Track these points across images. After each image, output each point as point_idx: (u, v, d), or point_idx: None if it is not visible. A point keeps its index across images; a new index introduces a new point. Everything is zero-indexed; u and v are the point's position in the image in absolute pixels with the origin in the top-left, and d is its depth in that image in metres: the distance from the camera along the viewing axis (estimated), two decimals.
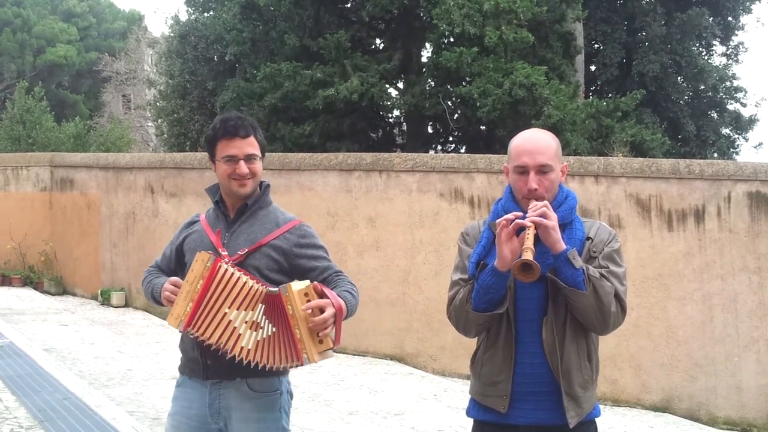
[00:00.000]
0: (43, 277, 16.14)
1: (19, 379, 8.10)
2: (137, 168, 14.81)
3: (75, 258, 15.93)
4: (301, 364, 3.22)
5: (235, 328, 3.21)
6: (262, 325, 3.23)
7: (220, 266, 3.26)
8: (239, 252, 3.44)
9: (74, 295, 15.88)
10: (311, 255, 3.55)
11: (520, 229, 3.14)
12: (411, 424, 8.05)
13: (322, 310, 3.17)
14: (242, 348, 3.21)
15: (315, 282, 3.28)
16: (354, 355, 11.40)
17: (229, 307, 3.22)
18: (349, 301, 3.34)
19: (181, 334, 3.54)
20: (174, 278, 3.45)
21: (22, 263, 16.27)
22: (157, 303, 3.58)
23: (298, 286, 3.19)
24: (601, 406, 9.61)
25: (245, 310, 3.22)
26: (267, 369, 3.24)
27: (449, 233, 10.76)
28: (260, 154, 3.56)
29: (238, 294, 3.23)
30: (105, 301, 14.80)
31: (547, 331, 3.22)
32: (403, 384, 10.04)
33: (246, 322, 3.22)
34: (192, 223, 3.73)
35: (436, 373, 10.88)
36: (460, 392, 9.52)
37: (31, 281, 16.17)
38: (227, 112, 3.69)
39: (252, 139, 3.53)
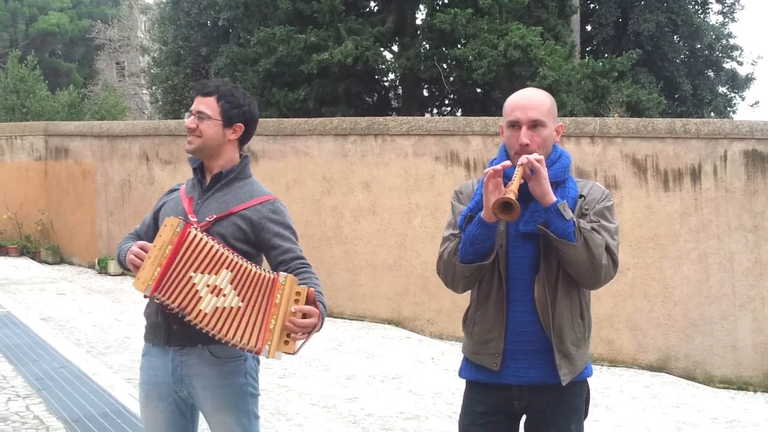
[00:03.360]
0: (40, 246, 16.14)
1: (16, 349, 8.12)
2: (132, 136, 14.74)
3: (71, 227, 15.91)
4: (257, 352, 3.17)
5: (197, 291, 3.17)
6: (225, 292, 3.17)
7: (189, 232, 3.22)
8: (207, 218, 3.40)
9: (71, 264, 15.88)
10: (277, 232, 3.45)
11: (507, 182, 3.14)
12: (408, 387, 8.08)
13: (306, 316, 3.14)
14: (200, 311, 3.16)
15: (311, 288, 3.21)
16: (351, 319, 11.44)
17: (194, 271, 3.18)
18: (323, 317, 3.27)
19: (147, 300, 3.49)
20: (141, 242, 3.35)
21: (18, 233, 16.25)
22: (123, 267, 3.54)
23: (294, 280, 3.17)
24: (598, 367, 9.70)
25: (208, 273, 3.18)
26: (217, 339, 3.19)
27: (445, 197, 10.70)
28: (218, 119, 3.46)
29: (204, 258, 3.19)
30: (102, 269, 14.80)
31: (539, 288, 3.23)
32: (401, 348, 10.07)
33: (207, 286, 3.17)
34: (173, 191, 3.69)
35: (434, 336, 10.91)
36: (457, 355, 9.53)
37: (28, 251, 16.16)
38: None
39: (211, 99, 3.47)
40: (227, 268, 3.18)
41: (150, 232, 3.64)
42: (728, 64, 28.69)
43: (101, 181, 15.21)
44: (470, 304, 3.46)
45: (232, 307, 3.16)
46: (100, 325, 10.05)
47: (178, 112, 22.66)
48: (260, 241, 3.45)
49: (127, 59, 40.23)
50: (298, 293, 3.14)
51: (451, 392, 7.81)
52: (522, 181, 3.10)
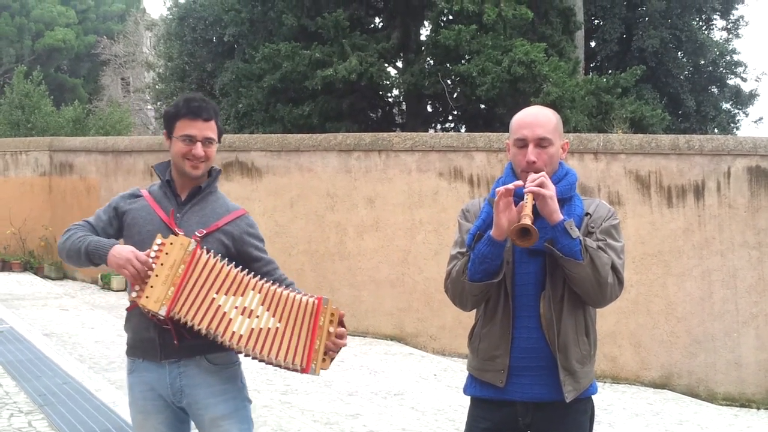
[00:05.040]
0: (43, 261, 16.16)
1: (19, 364, 8.11)
2: (136, 151, 14.78)
3: None
4: (303, 371, 3.30)
5: (225, 313, 3.23)
6: (258, 314, 3.26)
7: (201, 253, 3.28)
8: (197, 233, 3.43)
9: (74, 279, 15.89)
10: (256, 245, 3.60)
11: (518, 201, 3.15)
12: (411, 403, 8.06)
13: (338, 338, 3.37)
14: (233, 333, 3.22)
15: (340, 311, 3.39)
16: (354, 335, 11.40)
17: (217, 293, 3.24)
18: None
19: (126, 315, 3.54)
20: (140, 254, 3.28)
21: (22, 248, 16.27)
22: (87, 261, 3.47)
23: (331, 304, 3.35)
24: (601, 384, 9.65)
25: (233, 295, 3.25)
26: (257, 359, 3.27)
27: (449, 213, 10.75)
28: (217, 139, 3.57)
29: (225, 279, 3.26)
30: (105, 285, 14.81)
31: (545, 305, 3.24)
32: (403, 364, 10.05)
33: (236, 308, 3.24)
34: (135, 196, 3.65)
35: (436, 352, 10.89)
36: (459, 372, 9.53)
37: (31, 266, 16.18)
38: (191, 93, 3.67)
39: (212, 123, 3.53)
40: (254, 290, 3.29)
41: (109, 230, 3.61)
42: (732, 81, 28.67)
43: (105, 197, 15.21)
44: (476, 321, 3.47)
45: (269, 328, 3.27)
46: (102, 341, 10.04)
47: None
48: (241, 255, 3.54)
49: (132, 75, 40.35)
50: (332, 314, 3.34)
51: (454, 409, 7.79)
52: (533, 202, 3.12)
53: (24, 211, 16.22)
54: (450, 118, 22.65)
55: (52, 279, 15.68)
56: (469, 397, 3.51)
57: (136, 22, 40.05)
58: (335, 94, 19.04)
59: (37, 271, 16.04)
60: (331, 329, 3.32)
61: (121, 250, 3.32)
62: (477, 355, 3.41)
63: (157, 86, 26.30)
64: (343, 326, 3.39)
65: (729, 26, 29.60)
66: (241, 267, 3.35)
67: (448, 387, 8.90)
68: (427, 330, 11.11)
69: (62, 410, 6.59)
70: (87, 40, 42.41)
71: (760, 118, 42.26)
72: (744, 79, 28.84)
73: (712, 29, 29.39)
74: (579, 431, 3.37)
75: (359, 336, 11.39)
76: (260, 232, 3.66)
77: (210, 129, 3.52)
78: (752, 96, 28.77)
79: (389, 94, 22.02)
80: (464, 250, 3.31)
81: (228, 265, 3.31)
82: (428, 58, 19.87)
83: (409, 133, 12.73)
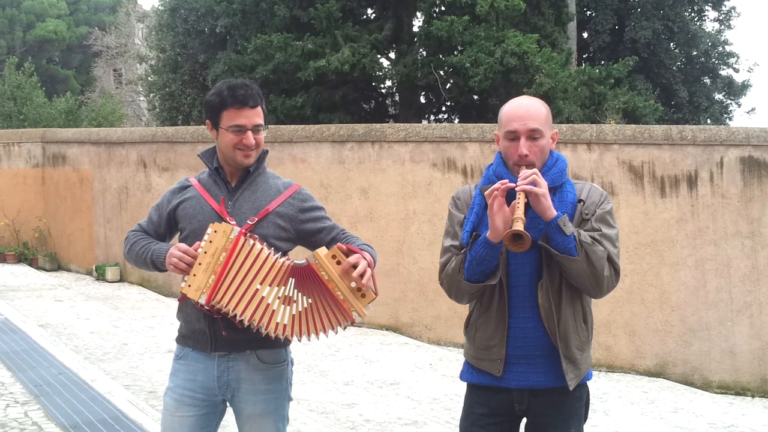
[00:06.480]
0: (38, 253, 16.13)
1: (14, 355, 8.11)
2: (129, 143, 14.74)
3: (69, 234, 15.90)
4: (352, 322, 3.25)
5: (268, 304, 3.18)
6: (295, 299, 3.22)
7: (245, 240, 3.22)
8: (248, 221, 3.38)
9: (69, 270, 15.86)
10: (316, 217, 3.53)
11: (510, 198, 3.14)
12: (406, 393, 8.08)
13: (355, 267, 3.20)
14: (278, 324, 3.18)
15: (338, 243, 3.29)
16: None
17: (261, 283, 3.19)
18: (372, 253, 3.35)
19: (179, 304, 3.51)
20: (182, 245, 3.33)
21: (16, 240, 16.24)
22: (155, 268, 3.48)
23: (323, 251, 3.24)
24: (596, 372, 9.70)
25: (278, 285, 3.21)
26: (311, 338, 3.26)
27: (442, 203, 10.75)
28: (265, 124, 3.49)
29: (270, 269, 3.21)
30: (100, 276, 14.78)
31: (543, 295, 3.24)
32: (399, 354, 10.07)
33: (279, 298, 3.20)
34: (184, 188, 3.62)
35: (432, 342, 10.92)
36: (455, 361, 9.56)
37: (25, 257, 16.15)
38: (231, 79, 3.53)
39: (259, 108, 3.45)
40: (292, 276, 3.24)
41: (161, 230, 3.61)
42: (724, 71, 28.80)
43: (99, 188, 15.20)
44: (472, 310, 3.47)
45: (306, 308, 3.23)
46: (98, 331, 10.04)
47: (176, 118, 22.70)
48: (301, 233, 3.51)
49: (124, 66, 40.28)
50: (333, 256, 3.22)
51: (449, 398, 7.82)
52: (525, 200, 3.11)
53: (17, 202, 16.18)
54: (443, 109, 22.66)
55: (47, 270, 15.65)
56: (465, 384, 3.52)
57: (127, 13, 39.96)
58: (328, 85, 19.04)
59: (32, 262, 16.02)
60: (341, 270, 3.19)
61: (170, 251, 3.34)
62: (473, 343, 3.41)
63: (149, 78, 26.26)
64: (354, 252, 3.23)
65: (721, 17, 29.72)
66: (285, 255, 3.31)
67: (444, 376, 8.93)
68: (422, 320, 11.14)
69: (58, 400, 6.59)
70: (78, 31, 42.35)
71: (753, 109, 42.39)
72: (736, 70, 29.10)
73: (704, 20, 29.53)
74: (575, 417, 3.38)
75: (355, 326, 11.37)
76: (317, 202, 3.58)
77: (257, 115, 3.43)
78: (744, 86, 28.88)
79: (382, 85, 22.02)
80: (457, 243, 3.31)
81: (275, 254, 3.25)
82: (421, 49, 19.88)
83: (402, 124, 12.73)
